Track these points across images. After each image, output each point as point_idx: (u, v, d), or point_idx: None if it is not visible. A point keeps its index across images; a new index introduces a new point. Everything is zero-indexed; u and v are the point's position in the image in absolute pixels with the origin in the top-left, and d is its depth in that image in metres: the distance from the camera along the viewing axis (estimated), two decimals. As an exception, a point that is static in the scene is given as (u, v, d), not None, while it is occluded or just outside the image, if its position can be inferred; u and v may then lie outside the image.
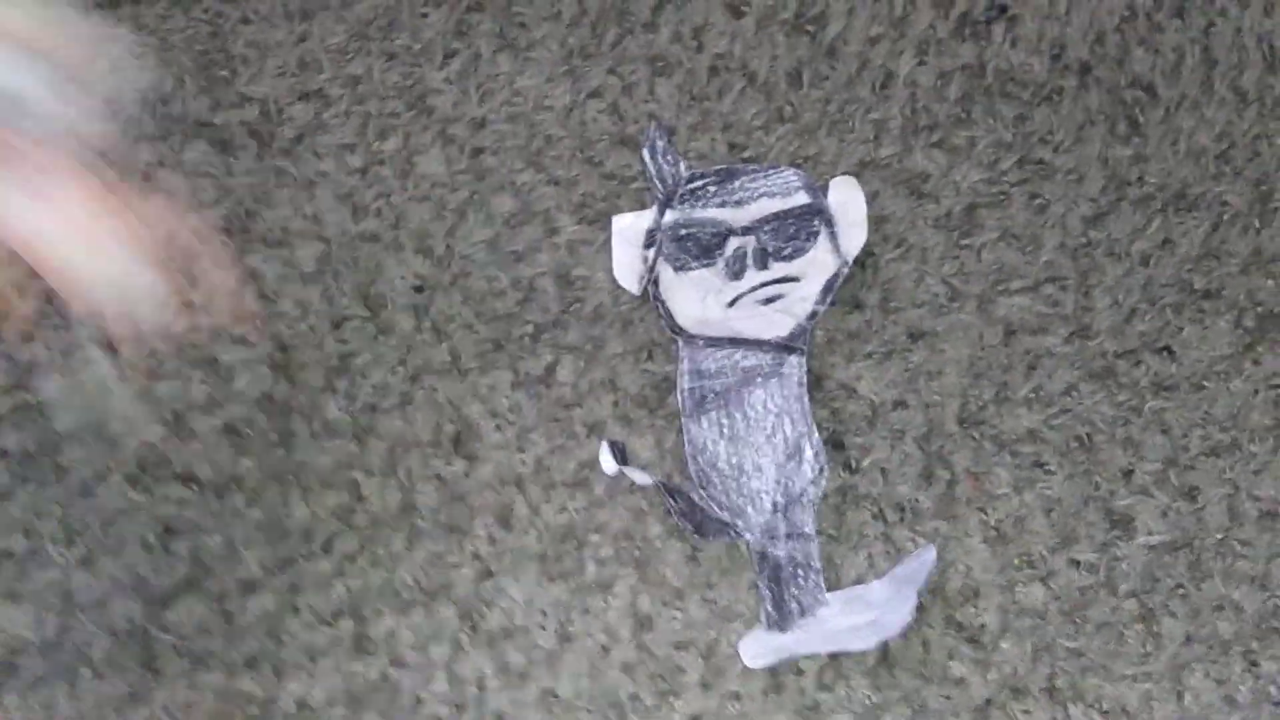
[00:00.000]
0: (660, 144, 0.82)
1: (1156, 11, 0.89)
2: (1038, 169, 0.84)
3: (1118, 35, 0.88)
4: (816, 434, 0.76)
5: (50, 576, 0.73)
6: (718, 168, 0.82)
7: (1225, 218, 0.83)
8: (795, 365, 0.77)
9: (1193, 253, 0.82)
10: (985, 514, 0.76)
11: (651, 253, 0.81)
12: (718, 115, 0.84)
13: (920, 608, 0.74)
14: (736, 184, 0.82)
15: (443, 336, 0.79)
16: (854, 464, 0.77)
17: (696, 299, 0.80)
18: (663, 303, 0.80)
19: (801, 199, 0.81)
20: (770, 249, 0.80)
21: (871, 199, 0.82)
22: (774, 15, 0.87)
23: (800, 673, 0.73)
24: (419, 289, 0.80)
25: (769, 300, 0.79)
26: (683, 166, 0.82)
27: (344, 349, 0.78)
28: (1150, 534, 0.76)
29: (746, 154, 0.83)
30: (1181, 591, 0.75)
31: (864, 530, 0.76)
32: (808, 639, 0.73)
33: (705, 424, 0.77)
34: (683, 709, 0.73)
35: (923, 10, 0.88)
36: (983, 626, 0.74)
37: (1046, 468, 0.77)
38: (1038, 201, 0.83)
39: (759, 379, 0.77)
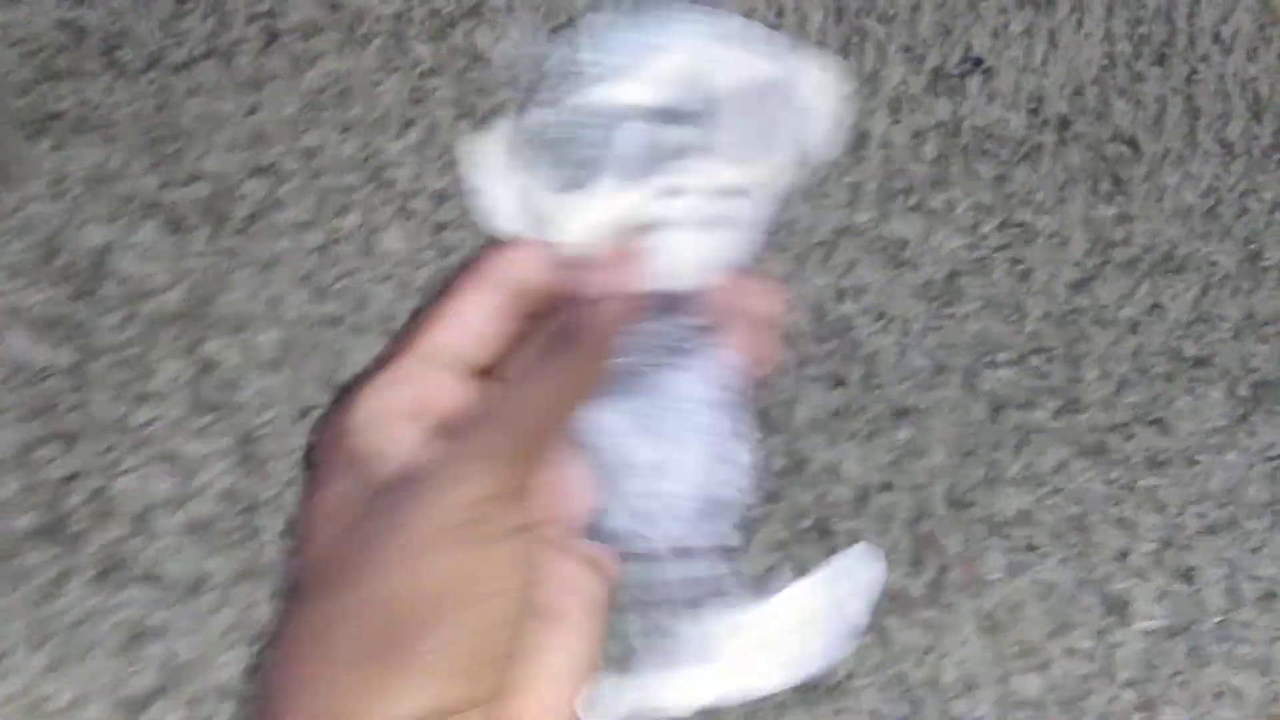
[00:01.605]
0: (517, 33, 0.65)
1: (1136, 60, 0.87)
2: (1019, 232, 0.82)
3: (1096, 86, 0.86)
4: (754, 434, 0.56)
5: (18, 685, 0.71)
6: (637, 11, 0.52)
7: (1215, 279, 0.81)
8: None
9: (1183, 318, 0.80)
10: (978, 601, 0.74)
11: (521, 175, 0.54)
12: (686, 182, 0.83)
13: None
14: (673, 37, 0.51)
15: (410, 425, 0.77)
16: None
17: (613, 226, 0.52)
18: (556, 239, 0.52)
19: (767, 66, 0.52)
20: (724, 143, 0.51)
21: (849, 268, 0.80)
22: (743, 73, 0.86)
23: (790, 771, 0.73)
24: (385, 375, 0.78)
25: (712, 225, 0.52)
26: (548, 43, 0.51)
27: (310, 440, 0.77)
28: (1148, 619, 0.75)
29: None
30: (1181, 679, 0.73)
31: (854, 622, 0.75)
32: (689, 681, 0.65)
33: (613, 410, 0.56)
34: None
35: (894, 65, 0.85)
36: None
37: (1040, 550, 0.75)
38: (1020, 267, 0.81)
39: (680, 355, 0.54)
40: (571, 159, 0.53)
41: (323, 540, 0.45)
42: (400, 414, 0.48)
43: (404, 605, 0.43)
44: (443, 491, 0.44)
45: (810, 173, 0.53)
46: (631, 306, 0.50)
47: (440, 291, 0.51)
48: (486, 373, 0.51)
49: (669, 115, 0.52)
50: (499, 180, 0.56)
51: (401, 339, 0.51)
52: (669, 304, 0.54)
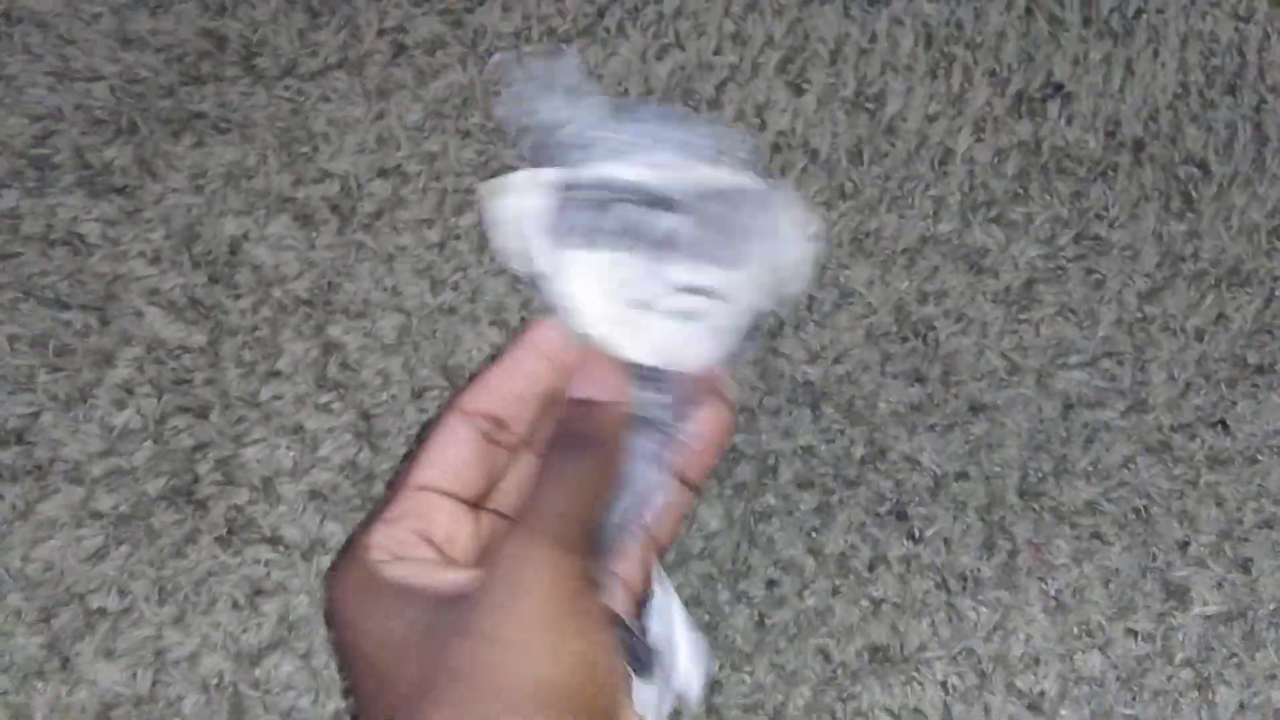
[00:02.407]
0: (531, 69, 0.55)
1: (1209, 88, 0.91)
2: (1094, 245, 0.86)
3: (1170, 112, 0.90)
4: (672, 483, 0.55)
5: (144, 634, 0.75)
6: (639, 106, 0.58)
7: (1278, 293, 0.85)
8: (687, 418, 0.55)
9: (1246, 328, 0.84)
10: (1045, 584, 0.78)
11: (542, 221, 0.55)
12: (782, 191, 0.87)
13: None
14: (668, 135, 0.54)
15: (518, 406, 0.81)
16: (917, 534, 0.79)
17: (604, 291, 0.55)
18: (554, 290, 0.55)
19: (752, 181, 0.54)
20: (707, 243, 0.54)
21: (932, 274, 0.85)
22: (834, 93, 0.90)
23: (865, 737, 0.76)
24: (495, 360, 0.82)
25: (688, 315, 0.54)
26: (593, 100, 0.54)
27: (424, 418, 0.81)
28: (1206, 604, 0.77)
29: (811, 230, 0.85)
30: (1236, 661, 0.76)
31: (927, 599, 0.77)
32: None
33: None
34: (751, 770, 0.76)
35: (979, 88, 0.90)
36: (1043, 693, 0.75)
37: (1105, 539, 0.79)
38: (1094, 277, 0.85)
39: (643, 424, 0.54)
40: (606, 223, 0.54)
41: (405, 674, 0.45)
42: (413, 545, 0.49)
43: (530, 702, 0.43)
44: (540, 586, 0.45)
45: (783, 300, 0.59)
46: (625, 411, 0.53)
47: (427, 427, 0.54)
48: (476, 504, 0.53)
49: (659, 203, 0.54)
50: (515, 225, 0.56)
51: (396, 478, 0.52)
52: (642, 377, 0.54)
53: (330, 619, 0.49)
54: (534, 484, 0.49)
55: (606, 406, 0.52)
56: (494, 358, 0.53)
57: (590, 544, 0.48)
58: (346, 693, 0.71)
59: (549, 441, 0.51)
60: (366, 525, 0.50)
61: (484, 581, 0.45)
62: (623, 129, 0.55)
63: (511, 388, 0.53)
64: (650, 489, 0.55)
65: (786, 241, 0.56)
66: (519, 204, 0.56)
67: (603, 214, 0.54)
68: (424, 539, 0.49)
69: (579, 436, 0.51)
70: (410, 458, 0.53)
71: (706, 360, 0.55)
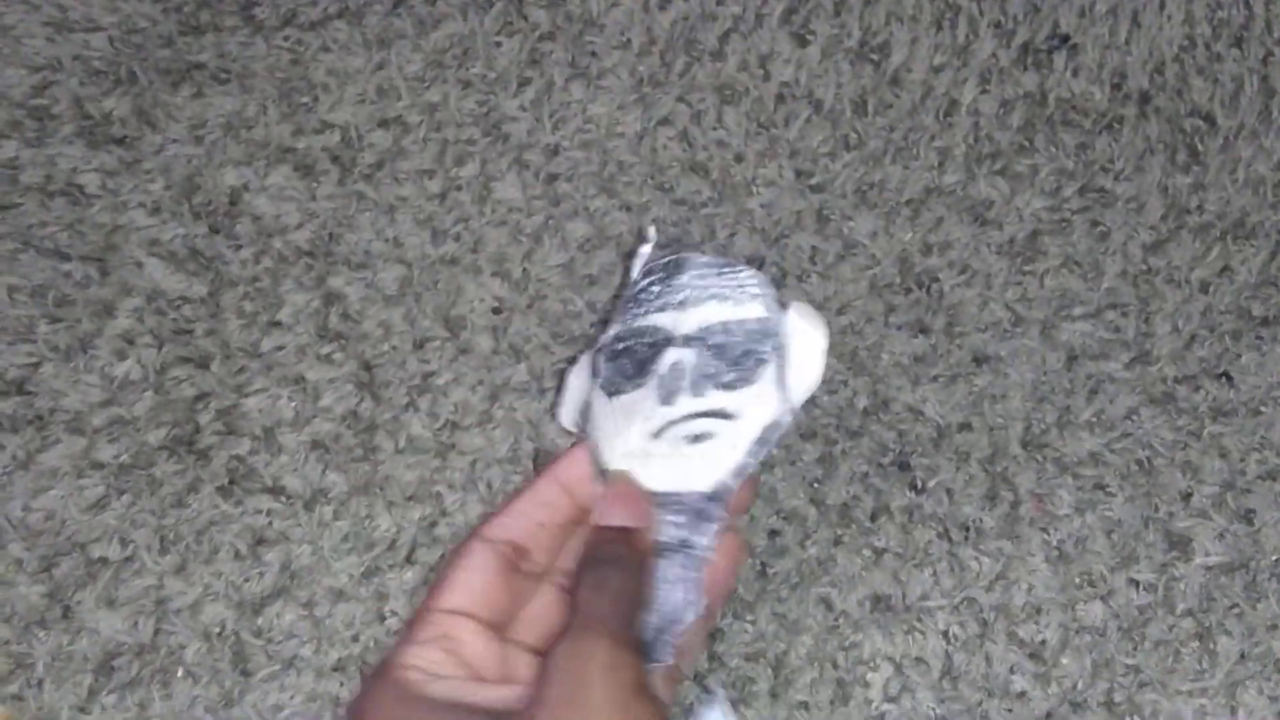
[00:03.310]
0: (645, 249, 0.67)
1: (1215, 41, 0.92)
2: (1099, 197, 0.87)
3: (1177, 65, 0.91)
4: (704, 601, 0.60)
5: (145, 583, 0.76)
6: (666, 259, 0.65)
7: (1283, 246, 0.86)
8: (709, 535, 0.60)
9: (1251, 280, 0.84)
10: (1048, 534, 0.79)
11: (588, 378, 0.66)
12: (785, 142, 0.87)
13: (985, 624, 0.78)
14: (684, 279, 0.64)
15: (521, 357, 0.82)
16: (920, 484, 0.80)
17: (622, 428, 0.62)
18: (592, 440, 0.63)
19: (756, 311, 0.62)
20: (711, 371, 0.61)
21: (936, 225, 0.86)
22: (838, 44, 0.90)
23: (866, 685, 0.77)
24: (497, 311, 0.83)
25: (696, 439, 0.61)
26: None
27: (426, 368, 0.82)
28: (1208, 555, 0.78)
29: (814, 181, 0.86)
30: (1237, 611, 0.77)
31: (929, 549, 0.78)
32: None
33: None
34: (753, 717, 0.77)
35: (985, 39, 0.91)
36: (1044, 642, 0.77)
37: (1108, 490, 0.80)
38: (1099, 229, 0.86)
39: (666, 551, 0.60)
40: (624, 369, 0.64)
41: None
42: (448, 665, 0.54)
43: None
44: (606, 678, 0.49)
45: (793, 411, 0.62)
46: (651, 537, 0.59)
47: (451, 556, 0.59)
48: (499, 631, 0.58)
49: (664, 341, 0.63)
50: (581, 383, 0.68)
51: (423, 603, 0.57)
52: (661, 503, 0.61)
53: None
54: (576, 599, 0.54)
55: (634, 532, 0.58)
56: (517, 490, 0.60)
57: (640, 645, 0.53)
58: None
59: (581, 564, 0.56)
60: (397, 648, 0.54)
61: (543, 683, 0.49)
62: (669, 283, 0.64)
63: (533, 516, 0.59)
64: (679, 608, 0.60)
65: (791, 359, 0.62)
66: (579, 369, 0.67)
67: (619, 360, 0.64)
68: (457, 659, 0.54)
69: (613, 558, 0.56)
70: (436, 582, 0.57)
71: (720, 477, 0.60)
